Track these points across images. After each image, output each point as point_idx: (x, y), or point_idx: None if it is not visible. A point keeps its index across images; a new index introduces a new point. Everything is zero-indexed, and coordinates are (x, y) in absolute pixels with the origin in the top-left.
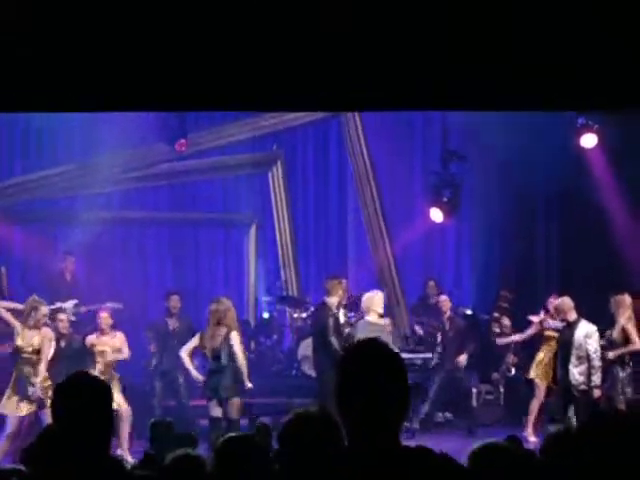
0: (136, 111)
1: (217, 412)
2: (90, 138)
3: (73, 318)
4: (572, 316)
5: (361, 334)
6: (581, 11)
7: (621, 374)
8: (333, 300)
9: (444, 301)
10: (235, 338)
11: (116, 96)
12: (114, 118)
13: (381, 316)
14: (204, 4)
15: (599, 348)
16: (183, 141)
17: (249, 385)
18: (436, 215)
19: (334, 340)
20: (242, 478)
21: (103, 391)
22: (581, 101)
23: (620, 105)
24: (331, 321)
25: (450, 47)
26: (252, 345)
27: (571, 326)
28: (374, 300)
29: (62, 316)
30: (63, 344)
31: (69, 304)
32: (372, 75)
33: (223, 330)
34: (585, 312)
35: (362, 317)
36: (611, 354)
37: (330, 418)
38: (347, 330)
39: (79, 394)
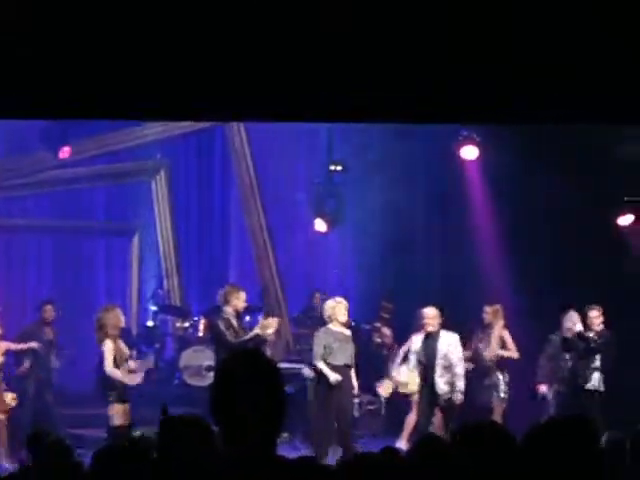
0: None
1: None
2: None
3: None
4: (435, 326)
5: (324, 341)
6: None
7: (501, 381)
8: (228, 309)
9: None
10: (105, 346)
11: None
12: None
13: (344, 324)
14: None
15: (462, 355)
16: (66, 148)
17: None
18: (320, 226)
19: (231, 338)
20: None
21: None
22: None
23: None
24: (222, 324)
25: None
26: (134, 354)
27: (433, 337)
28: (336, 309)
29: None
30: None
31: None
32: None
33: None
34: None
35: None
36: (489, 355)
37: (206, 426)
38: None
39: None
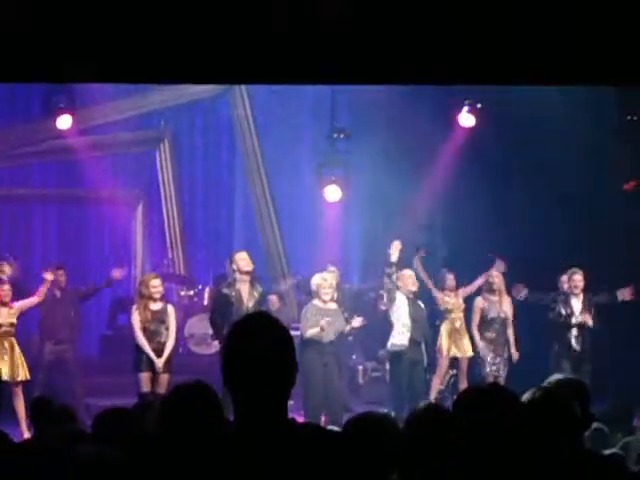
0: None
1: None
2: None
3: None
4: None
5: (310, 319)
6: None
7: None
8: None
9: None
10: (132, 316)
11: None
12: None
13: (331, 299)
14: None
15: None
16: (66, 117)
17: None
18: (327, 193)
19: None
20: (119, 450)
21: None
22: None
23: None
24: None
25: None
26: None
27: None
28: (320, 286)
29: None
30: None
31: None
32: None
33: None
34: None
35: None
36: None
37: (210, 391)
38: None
39: None
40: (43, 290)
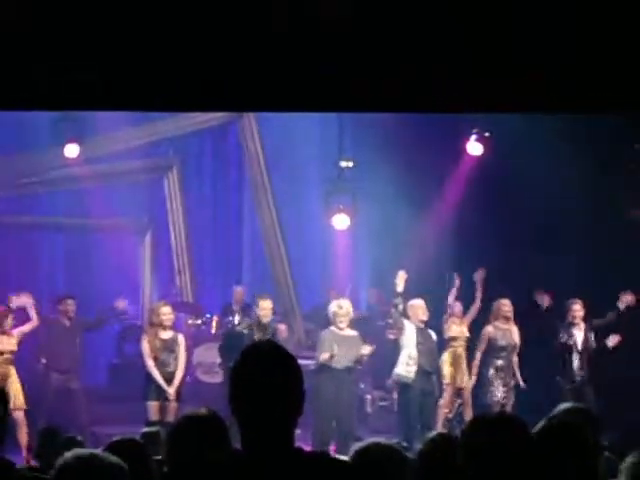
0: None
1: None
2: None
3: None
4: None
5: (328, 344)
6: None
7: None
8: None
9: None
10: (142, 344)
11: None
12: (6, 120)
13: (347, 326)
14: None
15: None
16: (73, 146)
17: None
18: (335, 222)
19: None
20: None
21: None
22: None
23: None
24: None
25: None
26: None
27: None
28: (338, 313)
29: None
30: None
31: None
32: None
33: None
34: None
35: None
36: None
37: (218, 420)
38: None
39: None
40: (34, 313)
